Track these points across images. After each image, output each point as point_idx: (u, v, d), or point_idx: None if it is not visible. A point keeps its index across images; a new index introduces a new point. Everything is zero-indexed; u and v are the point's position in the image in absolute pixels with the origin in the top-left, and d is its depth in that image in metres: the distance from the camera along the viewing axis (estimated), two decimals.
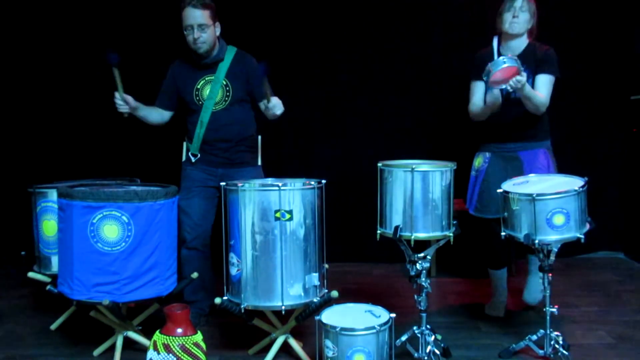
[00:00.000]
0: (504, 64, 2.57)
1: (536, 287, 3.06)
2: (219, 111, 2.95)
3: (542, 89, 2.85)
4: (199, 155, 3.01)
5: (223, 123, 2.95)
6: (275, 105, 2.74)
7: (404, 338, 2.54)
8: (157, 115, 3.06)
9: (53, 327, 3.01)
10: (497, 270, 3.10)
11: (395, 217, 2.39)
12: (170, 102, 3.06)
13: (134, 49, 4.12)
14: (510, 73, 2.60)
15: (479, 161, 3.09)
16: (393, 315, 2.30)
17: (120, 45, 4.12)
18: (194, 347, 2.19)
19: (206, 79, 2.95)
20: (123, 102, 2.85)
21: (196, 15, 2.80)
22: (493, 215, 2.88)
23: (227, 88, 2.93)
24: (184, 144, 3.09)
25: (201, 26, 2.81)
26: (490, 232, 2.97)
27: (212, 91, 2.92)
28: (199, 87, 2.95)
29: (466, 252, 4.18)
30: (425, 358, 2.42)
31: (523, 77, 2.62)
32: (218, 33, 2.92)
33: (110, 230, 2.37)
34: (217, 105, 2.94)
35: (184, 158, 3.09)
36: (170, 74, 3.06)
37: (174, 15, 2.93)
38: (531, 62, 2.88)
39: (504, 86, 2.68)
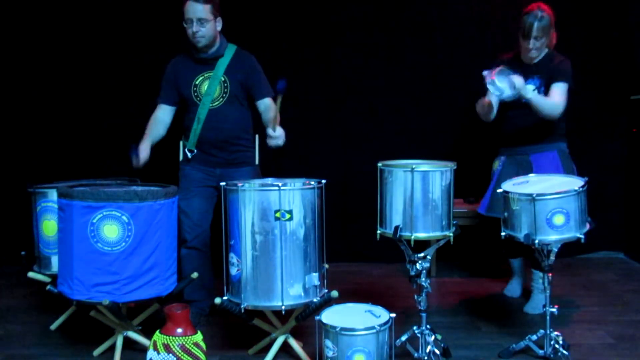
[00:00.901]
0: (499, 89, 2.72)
1: (538, 303, 3.10)
2: (216, 108, 2.94)
3: (556, 95, 2.92)
4: (195, 151, 3.01)
5: (220, 120, 2.94)
6: (280, 137, 2.71)
7: (404, 338, 2.54)
8: (161, 126, 3.03)
9: (53, 327, 3.01)
10: (514, 259, 3.39)
11: (395, 217, 2.39)
12: (173, 97, 3.05)
13: (134, 47, 4.13)
14: (502, 74, 2.71)
15: (495, 165, 3.24)
16: (393, 315, 2.30)
17: (121, 43, 4.15)
18: (194, 347, 2.19)
19: (205, 75, 2.94)
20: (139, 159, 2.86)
21: (197, 9, 2.80)
22: (500, 215, 2.89)
23: (225, 84, 2.92)
24: (181, 142, 3.09)
25: (200, 20, 2.81)
26: (499, 230, 3.00)
27: (210, 87, 2.92)
28: (197, 82, 2.95)
29: (467, 252, 4.19)
30: (425, 358, 2.42)
31: (520, 80, 2.72)
32: (219, 29, 2.92)
33: (110, 230, 2.37)
34: (215, 102, 2.94)
35: (181, 157, 3.09)
36: (170, 69, 3.05)
37: (175, 11, 2.93)
38: (545, 72, 2.98)
39: (512, 93, 2.73)
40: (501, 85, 2.69)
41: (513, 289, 3.42)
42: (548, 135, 3.06)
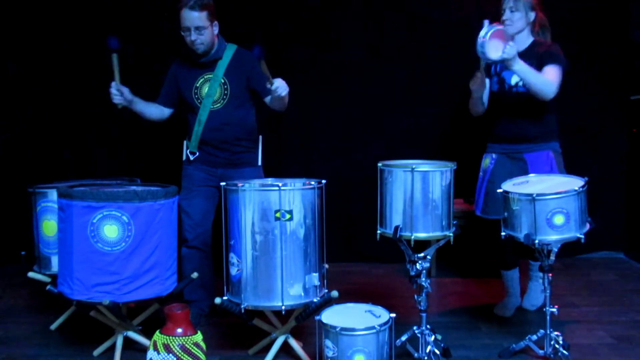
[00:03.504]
0: (490, 29, 2.59)
1: (536, 295, 3.14)
2: (217, 110, 2.94)
3: (549, 75, 2.79)
4: (197, 153, 3.01)
5: (221, 122, 2.94)
6: (279, 87, 2.66)
7: (404, 338, 2.54)
8: (155, 110, 3.06)
9: (53, 327, 3.01)
10: (508, 271, 3.12)
11: (395, 217, 2.39)
12: (171, 100, 3.07)
13: (135, 49, 4.12)
14: (501, 37, 2.62)
15: (486, 162, 3.10)
16: (393, 315, 2.30)
17: (123, 44, 4.14)
18: (194, 347, 2.19)
19: (205, 77, 2.94)
20: (118, 92, 2.82)
21: (193, 17, 2.78)
22: (498, 216, 2.86)
23: (225, 86, 2.92)
24: (184, 142, 3.09)
25: (198, 28, 2.79)
26: (496, 233, 2.95)
27: (210, 89, 2.92)
28: (197, 85, 2.95)
29: (467, 252, 4.19)
30: (425, 358, 2.42)
31: (514, 47, 2.61)
32: (216, 32, 2.91)
33: (110, 230, 2.37)
34: (216, 104, 2.93)
35: (184, 157, 3.09)
36: (171, 72, 3.06)
37: (173, 11, 2.92)
38: (533, 59, 2.85)
39: (499, 57, 2.62)
40: (493, 40, 2.59)
41: (505, 308, 3.12)
42: (542, 134, 2.98)
